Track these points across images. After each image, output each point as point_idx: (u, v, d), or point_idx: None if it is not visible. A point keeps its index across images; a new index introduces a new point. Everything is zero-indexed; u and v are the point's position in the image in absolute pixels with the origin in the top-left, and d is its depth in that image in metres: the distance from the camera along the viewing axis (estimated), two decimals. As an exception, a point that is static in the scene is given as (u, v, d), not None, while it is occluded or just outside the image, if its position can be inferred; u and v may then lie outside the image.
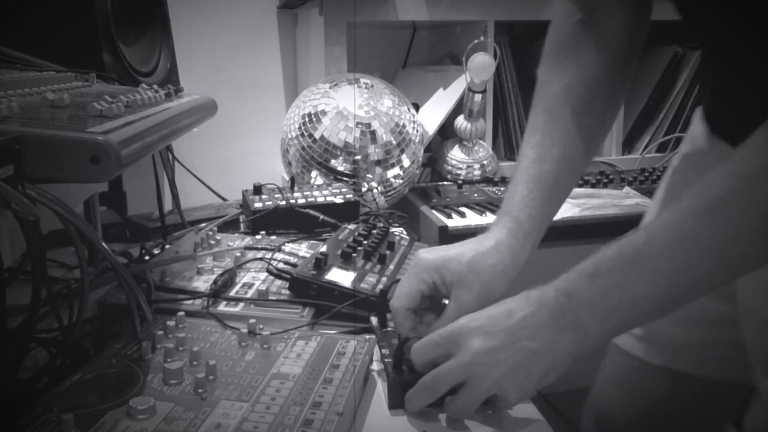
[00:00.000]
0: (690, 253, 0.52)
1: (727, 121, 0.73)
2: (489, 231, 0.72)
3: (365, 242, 0.92)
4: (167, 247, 1.02)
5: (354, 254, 0.88)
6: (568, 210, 1.39)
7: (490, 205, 1.43)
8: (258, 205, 1.13)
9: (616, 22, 0.74)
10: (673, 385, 0.85)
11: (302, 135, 1.34)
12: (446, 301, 0.70)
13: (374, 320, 0.73)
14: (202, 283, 0.84)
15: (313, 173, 1.34)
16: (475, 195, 1.50)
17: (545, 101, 0.75)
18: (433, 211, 1.40)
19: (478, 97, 1.58)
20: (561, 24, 0.77)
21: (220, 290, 0.80)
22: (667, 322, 0.82)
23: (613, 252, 0.56)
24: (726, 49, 0.68)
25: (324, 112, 1.34)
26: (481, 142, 1.67)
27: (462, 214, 1.40)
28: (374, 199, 1.32)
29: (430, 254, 0.70)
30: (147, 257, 0.99)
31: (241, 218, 1.21)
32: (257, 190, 1.20)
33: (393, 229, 1.09)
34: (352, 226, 1.02)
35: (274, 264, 0.89)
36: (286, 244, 0.99)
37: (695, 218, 0.53)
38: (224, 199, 1.42)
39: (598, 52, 0.73)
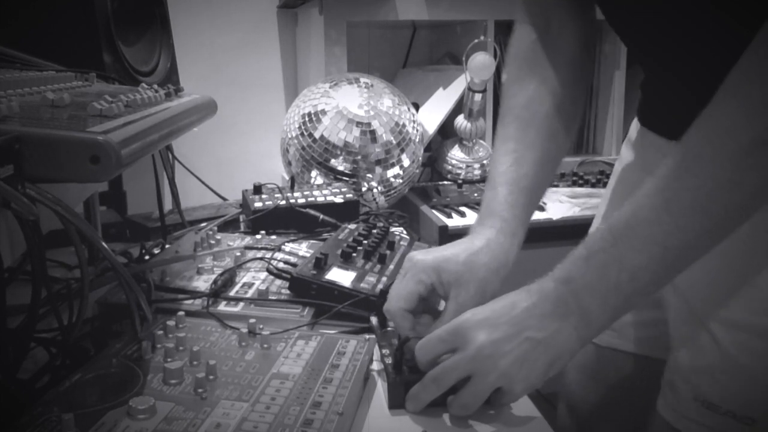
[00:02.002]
0: (676, 214, 0.54)
1: (658, 116, 0.77)
2: (476, 232, 0.73)
3: (365, 242, 0.92)
4: (167, 246, 1.02)
5: (354, 254, 0.87)
6: (568, 210, 1.39)
7: (490, 205, 1.43)
8: (258, 204, 1.13)
9: (570, 35, 0.78)
10: (620, 365, 0.87)
11: (302, 135, 1.34)
12: (443, 303, 0.70)
13: (374, 320, 0.73)
14: (202, 283, 0.84)
15: (313, 173, 1.34)
16: (475, 195, 1.50)
17: (513, 111, 0.78)
18: (433, 211, 1.40)
19: (478, 97, 1.58)
20: (518, 44, 0.81)
21: (220, 290, 0.80)
22: None
23: (603, 231, 0.58)
24: (650, 50, 0.72)
25: (324, 112, 1.34)
26: (481, 141, 1.67)
27: (462, 214, 1.40)
28: (374, 199, 1.32)
29: (426, 255, 0.71)
30: (147, 257, 0.99)
31: (241, 218, 1.21)
32: (257, 189, 1.20)
33: (393, 229, 1.09)
34: (352, 226, 1.02)
35: (274, 264, 0.89)
36: (286, 243, 0.99)
37: (675, 179, 0.54)
38: (224, 199, 1.42)
39: (558, 64, 0.77)
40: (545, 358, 0.59)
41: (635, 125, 0.84)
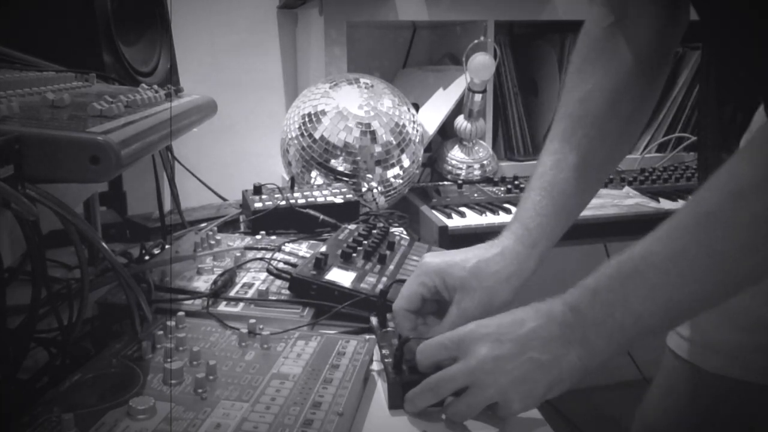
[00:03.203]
0: (683, 269, 0.52)
1: None
2: (498, 237, 0.71)
3: (365, 242, 0.92)
4: (167, 247, 1.02)
5: (354, 254, 0.87)
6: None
7: (490, 205, 1.43)
8: (258, 205, 1.13)
9: (646, 26, 0.72)
10: (727, 393, 0.82)
11: (302, 135, 1.34)
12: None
13: (374, 320, 0.73)
14: (202, 283, 0.84)
15: (313, 173, 1.34)
16: (475, 195, 1.50)
17: (567, 107, 0.74)
18: (433, 211, 1.40)
19: (478, 97, 1.58)
20: (591, 28, 0.75)
21: (220, 290, 0.80)
22: (724, 328, 0.79)
23: (612, 269, 0.56)
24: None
25: (324, 112, 1.34)
26: (481, 142, 1.67)
27: (462, 214, 1.40)
28: (374, 199, 1.32)
29: (434, 258, 0.70)
30: (147, 257, 0.99)
31: (241, 218, 1.21)
32: (257, 190, 1.20)
33: (393, 229, 1.09)
34: (352, 226, 1.02)
35: (274, 264, 0.89)
36: (286, 244, 0.99)
37: (687, 233, 0.53)
38: (224, 199, 1.42)
39: (626, 54, 0.72)
40: (546, 381, 0.57)
41: (761, 118, 0.76)
